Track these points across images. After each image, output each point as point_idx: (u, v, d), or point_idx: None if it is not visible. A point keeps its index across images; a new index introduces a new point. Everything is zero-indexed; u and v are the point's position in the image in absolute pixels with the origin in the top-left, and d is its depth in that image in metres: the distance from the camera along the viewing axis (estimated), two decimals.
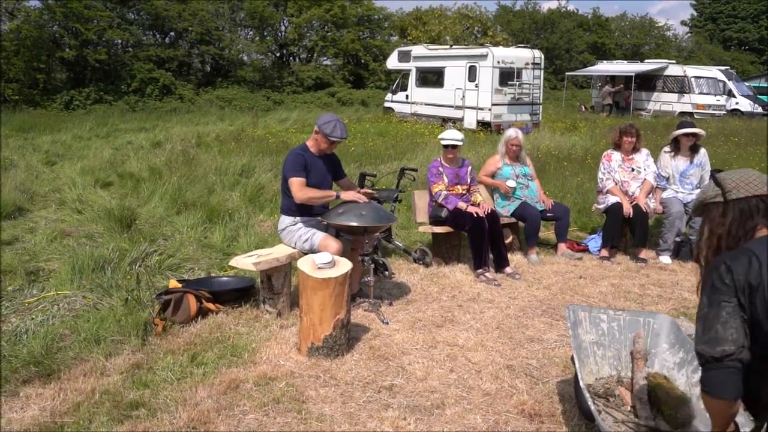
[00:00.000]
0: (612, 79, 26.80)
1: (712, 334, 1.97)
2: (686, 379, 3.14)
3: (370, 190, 5.01)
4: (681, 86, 24.58)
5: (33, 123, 17.50)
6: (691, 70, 24.90)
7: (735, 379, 1.95)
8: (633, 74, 25.32)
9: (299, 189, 4.54)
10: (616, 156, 6.39)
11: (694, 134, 6.23)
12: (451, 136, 5.84)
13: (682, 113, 23.36)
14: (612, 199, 6.22)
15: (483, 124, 18.29)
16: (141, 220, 7.15)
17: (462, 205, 5.72)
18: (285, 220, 4.74)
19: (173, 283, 4.73)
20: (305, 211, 4.68)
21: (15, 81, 23.25)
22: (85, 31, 24.59)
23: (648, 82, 25.60)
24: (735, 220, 2.10)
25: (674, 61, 27.88)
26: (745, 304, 1.96)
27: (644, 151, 6.42)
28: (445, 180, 5.84)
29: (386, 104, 23.78)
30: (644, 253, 6.17)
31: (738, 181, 2.12)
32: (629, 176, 6.31)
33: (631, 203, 6.15)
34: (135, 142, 14.72)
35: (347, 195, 4.63)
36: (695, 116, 22.53)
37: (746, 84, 27.08)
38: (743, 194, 2.09)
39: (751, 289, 1.95)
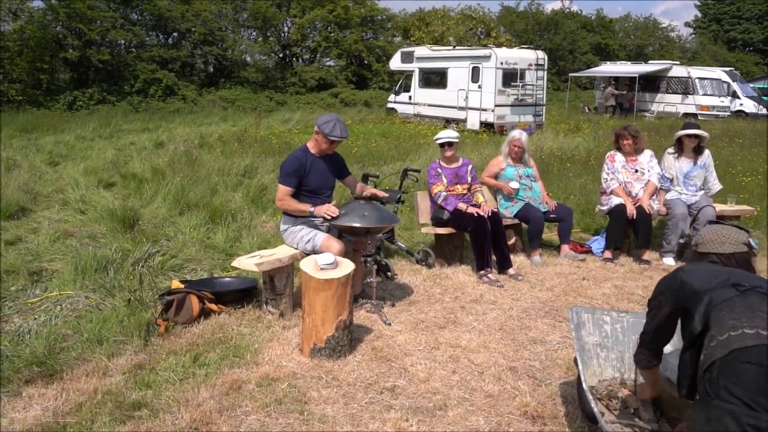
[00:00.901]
0: (615, 81, 26.77)
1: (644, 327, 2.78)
2: None
3: (376, 191, 4.95)
4: (685, 87, 24.54)
5: (36, 123, 17.54)
6: (695, 71, 24.86)
7: (646, 356, 2.84)
8: (637, 75, 25.30)
9: (280, 197, 4.59)
10: (620, 157, 6.38)
11: (697, 135, 6.22)
12: (445, 134, 5.87)
13: (686, 114, 23.32)
14: (615, 201, 6.21)
15: (486, 125, 18.29)
16: (144, 221, 7.16)
17: (462, 206, 5.72)
18: (287, 221, 4.74)
19: (176, 284, 4.73)
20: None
21: (18, 81, 23.27)
22: (89, 31, 24.64)
23: (652, 83, 25.57)
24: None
25: (678, 62, 27.82)
26: (674, 303, 2.61)
27: (647, 152, 6.40)
28: (444, 180, 5.85)
29: (389, 105, 23.79)
30: (648, 255, 6.16)
31: (706, 238, 2.74)
32: (633, 177, 6.30)
33: (634, 204, 6.14)
34: (138, 143, 14.73)
35: (319, 210, 4.50)
36: (699, 117, 22.47)
37: (751, 85, 27.02)
38: (706, 250, 2.72)
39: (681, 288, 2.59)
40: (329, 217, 4.46)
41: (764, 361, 2.19)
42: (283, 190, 4.57)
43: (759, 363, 2.20)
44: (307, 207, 4.57)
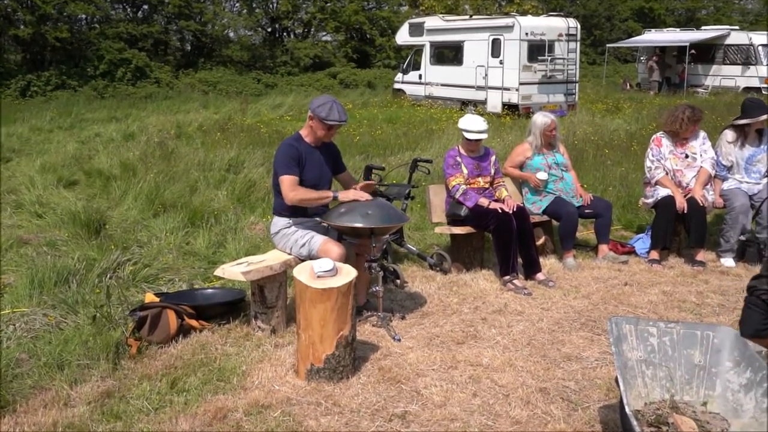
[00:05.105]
0: (662, 52, 26.63)
1: None
2: (755, 404, 3.11)
3: (372, 182, 4.96)
4: (746, 57, 24.34)
5: None
6: (758, 38, 24.61)
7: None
8: (687, 44, 25.16)
9: (290, 189, 4.56)
10: (667, 141, 6.35)
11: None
12: (475, 127, 5.78)
13: (747, 89, 23.16)
14: (662, 192, 6.19)
15: (509, 107, 18.27)
16: (112, 225, 7.20)
17: (484, 201, 5.71)
18: (278, 222, 4.76)
19: (150, 297, 4.75)
20: (302, 212, 4.69)
21: None
22: (43, 4, 24.68)
23: (705, 53, 25.41)
24: None
25: (737, 27, 27.60)
26: None
27: (701, 134, 6.35)
28: (464, 171, 5.84)
29: (396, 86, 23.80)
30: (702, 255, 6.13)
31: None
32: (683, 164, 6.27)
33: (685, 196, 6.11)
34: (104, 134, 14.80)
35: (346, 195, 4.61)
36: (764, 92, 22.32)
37: None
38: None
39: None
40: (365, 200, 4.56)
41: None
42: (290, 180, 4.57)
43: None
44: (328, 193, 4.63)
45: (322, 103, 4.61)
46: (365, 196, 4.63)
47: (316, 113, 4.60)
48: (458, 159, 5.90)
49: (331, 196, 4.64)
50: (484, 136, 5.82)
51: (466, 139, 5.83)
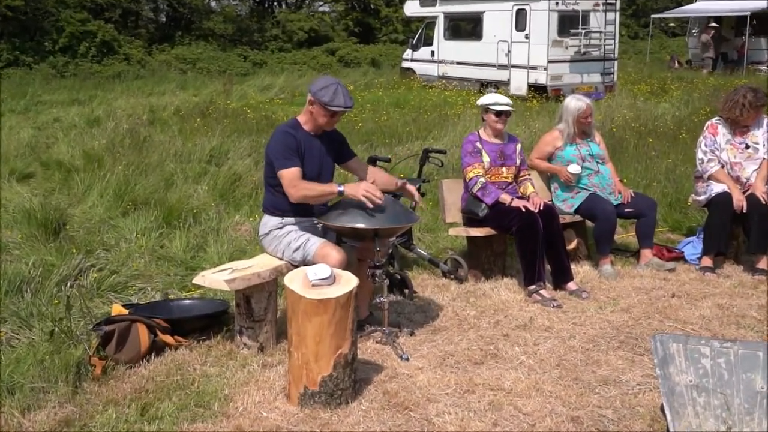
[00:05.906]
0: (717, 23, 26.54)
1: None
2: None
3: (404, 183, 4.92)
4: None
5: None
6: None
7: None
8: (747, 14, 25.09)
9: (293, 184, 4.52)
10: (724, 129, 6.31)
11: None
12: (503, 99, 5.84)
13: None
14: (717, 188, 6.16)
15: (536, 89, 18.26)
16: (73, 225, 7.21)
17: (506, 197, 5.70)
18: (269, 222, 4.75)
19: (117, 309, 4.75)
20: (296, 210, 4.68)
21: None
22: None
23: None
24: None
25: None
26: None
27: (765, 121, 6.31)
28: (486, 160, 5.83)
29: (404, 64, 23.88)
30: (764, 263, 6.10)
31: None
32: (742, 156, 6.24)
33: (744, 192, 6.09)
34: (64, 119, 14.87)
35: (354, 190, 4.51)
36: None
37: None
38: None
39: None
40: (371, 203, 4.42)
41: None
42: (291, 174, 4.52)
43: None
44: (333, 187, 4.57)
45: (324, 86, 4.58)
46: (376, 193, 4.47)
47: (317, 97, 4.57)
48: (479, 145, 5.88)
49: (336, 191, 4.58)
50: (511, 109, 5.84)
51: (494, 113, 5.79)
